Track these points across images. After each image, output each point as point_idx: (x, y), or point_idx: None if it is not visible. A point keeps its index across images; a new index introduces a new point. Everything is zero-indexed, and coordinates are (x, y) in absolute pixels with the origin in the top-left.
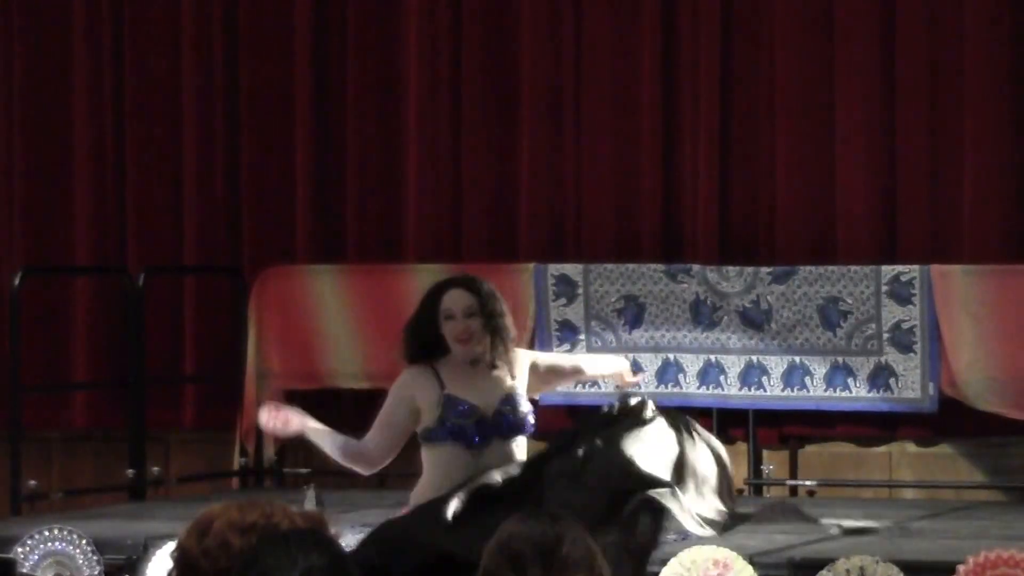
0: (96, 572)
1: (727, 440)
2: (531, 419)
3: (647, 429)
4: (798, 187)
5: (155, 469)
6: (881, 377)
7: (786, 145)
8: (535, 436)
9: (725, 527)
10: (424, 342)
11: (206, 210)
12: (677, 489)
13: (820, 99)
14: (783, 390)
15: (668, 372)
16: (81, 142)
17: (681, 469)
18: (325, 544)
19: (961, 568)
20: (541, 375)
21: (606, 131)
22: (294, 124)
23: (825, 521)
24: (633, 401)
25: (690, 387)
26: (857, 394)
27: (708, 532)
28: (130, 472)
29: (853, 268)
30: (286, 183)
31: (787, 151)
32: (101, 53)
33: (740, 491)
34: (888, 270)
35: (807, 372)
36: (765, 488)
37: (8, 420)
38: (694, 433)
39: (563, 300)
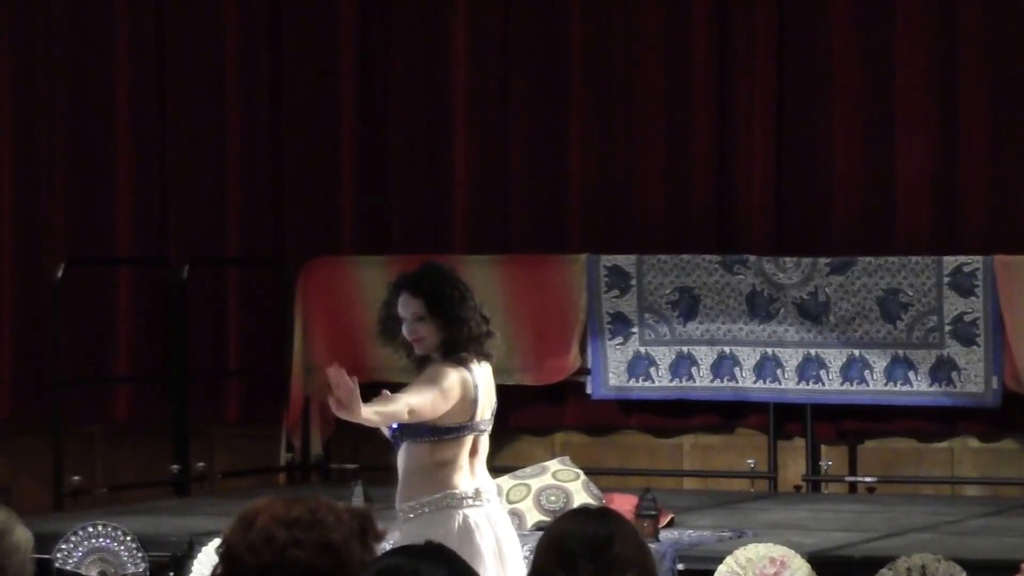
0: (141, 569)
1: (784, 435)
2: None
3: None
4: (857, 175)
5: (199, 464)
6: (943, 371)
7: (844, 133)
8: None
9: None
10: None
11: (250, 201)
12: None
13: (879, 86)
14: (842, 384)
15: (723, 366)
16: (123, 133)
17: None
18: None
19: None
20: None
21: (659, 119)
22: (339, 113)
23: None
24: None
25: (746, 381)
26: (918, 388)
27: None
28: (174, 467)
29: (914, 259)
30: (331, 172)
31: (845, 139)
32: (143, 42)
33: (798, 488)
34: (950, 261)
35: (866, 366)
36: (823, 485)
37: (50, 414)
38: None
39: (615, 292)
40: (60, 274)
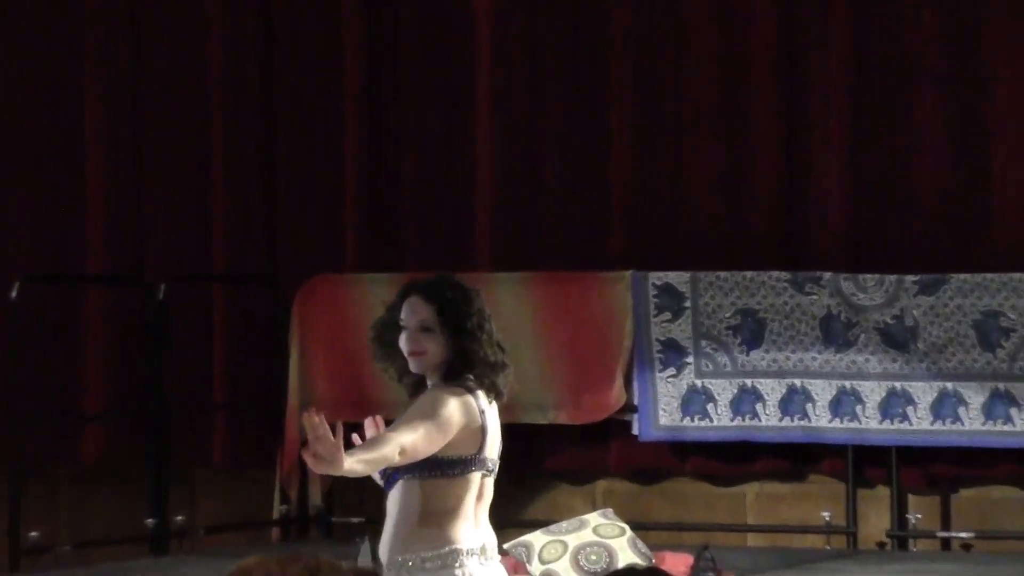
0: None
1: (865, 483)
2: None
3: None
4: (947, 180)
5: (179, 517)
6: None
7: (932, 130)
8: None
9: None
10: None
11: (238, 211)
12: None
13: (971, 74)
14: (932, 423)
15: (794, 402)
16: (92, 132)
17: None
18: None
19: None
20: None
21: (714, 116)
22: (342, 113)
23: None
24: None
25: (820, 420)
26: (1021, 427)
27: None
28: (150, 521)
29: (1016, 276)
30: (333, 178)
31: (934, 136)
32: (117, 34)
33: (882, 545)
34: None
35: (961, 401)
36: (911, 541)
37: (5, 457)
38: None
39: (667, 315)
40: (15, 294)
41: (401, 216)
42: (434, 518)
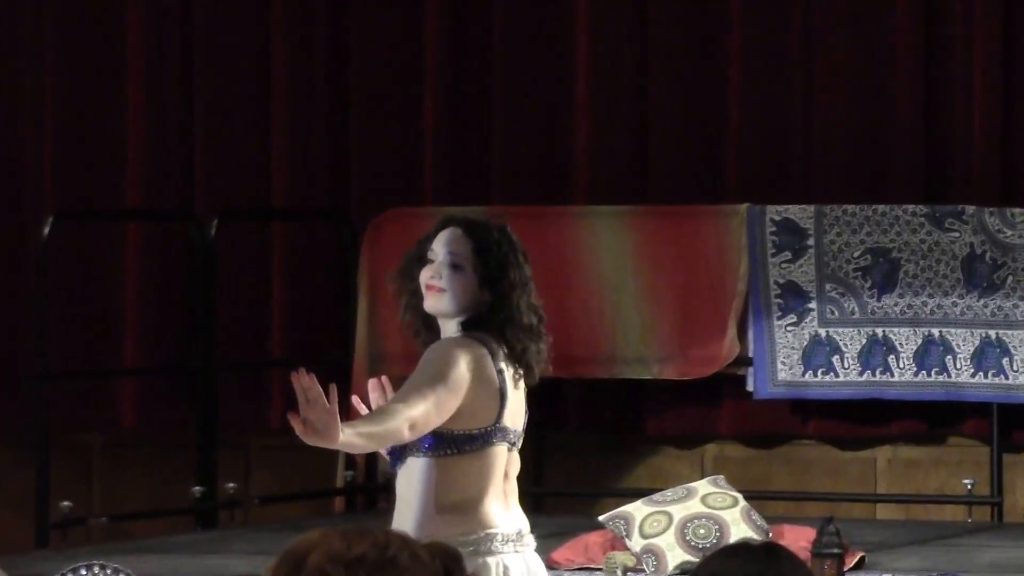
0: None
1: (1014, 448)
2: None
3: None
4: None
5: (230, 486)
6: None
7: None
8: None
9: None
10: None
11: (300, 135)
12: None
13: None
14: None
15: (931, 354)
16: (135, 44)
17: None
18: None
19: None
20: None
21: (844, 31)
22: (422, 23)
23: None
24: None
25: (962, 374)
26: None
27: None
28: (197, 490)
29: None
30: (410, 99)
31: None
32: None
33: None
34: None
35: None
36: None
37: (32, 420)
38: None
39: (787, 254)
40: (47, 232)
41: (487, 141)
42: (455, 502)
